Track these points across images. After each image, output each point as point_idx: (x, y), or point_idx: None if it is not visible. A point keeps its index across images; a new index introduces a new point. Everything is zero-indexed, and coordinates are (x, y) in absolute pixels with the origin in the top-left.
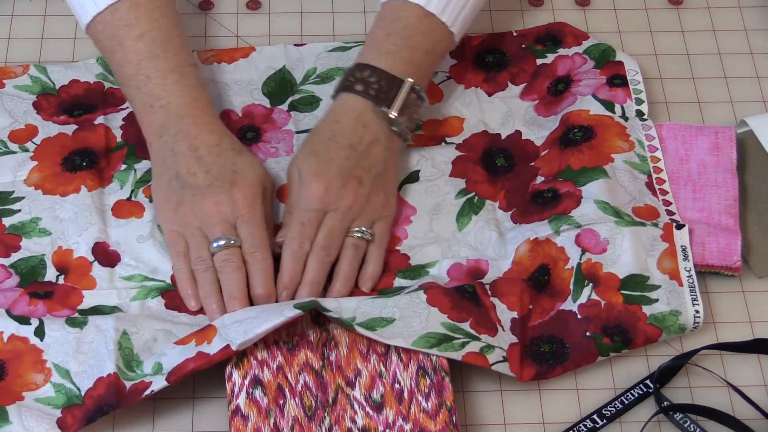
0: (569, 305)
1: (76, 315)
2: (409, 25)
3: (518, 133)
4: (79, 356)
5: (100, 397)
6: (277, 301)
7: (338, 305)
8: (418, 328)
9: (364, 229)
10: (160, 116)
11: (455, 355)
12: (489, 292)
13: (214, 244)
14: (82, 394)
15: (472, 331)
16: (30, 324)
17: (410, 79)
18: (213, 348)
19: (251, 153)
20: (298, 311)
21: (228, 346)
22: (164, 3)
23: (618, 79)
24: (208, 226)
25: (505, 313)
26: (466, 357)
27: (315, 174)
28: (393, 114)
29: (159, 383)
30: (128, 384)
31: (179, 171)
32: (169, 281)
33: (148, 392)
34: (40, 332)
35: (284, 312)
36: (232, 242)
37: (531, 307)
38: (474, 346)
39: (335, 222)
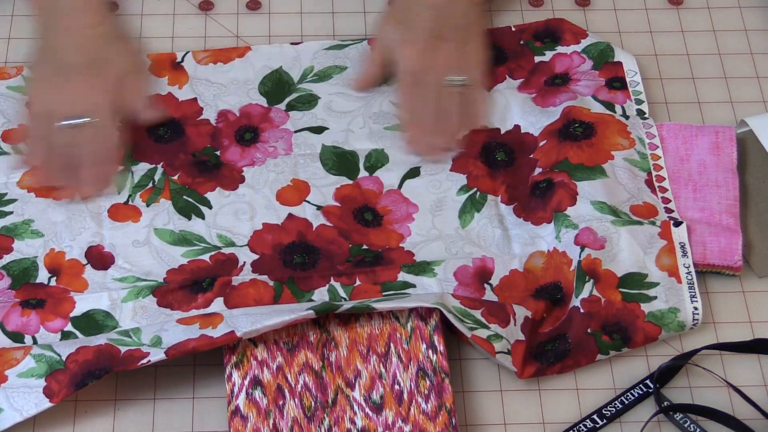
0: (573, 301)
1: (70, 329)
2: None
3: (517, 127)
4: (67, 345)
5: (88, 362)
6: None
7: (352, 306)
8: (433, 300)
9: (462, 78)
10: None
11: (466, 332)
12: (513, 308)
13: (66, 120)
14: (63, 358)
15: (483, 320)
16: (24, 343)
17: None
18: (217, 333)
19: (128, 40)
20: (310, 312)
21: (232, 331)
22: None
23: (617, 83)
24: (64, 105)
25: (520, 309)
26: (475, 337)
27: (404, 41)
28: None
29: (157, 355)
30: (123, 349)
31: (55, 46)
32: (161, 280)
33: (144, 361)
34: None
35: (296, 311)
36: (87, 120)
37: (545, 315)
38: (482, 333)
39: (435, 79)
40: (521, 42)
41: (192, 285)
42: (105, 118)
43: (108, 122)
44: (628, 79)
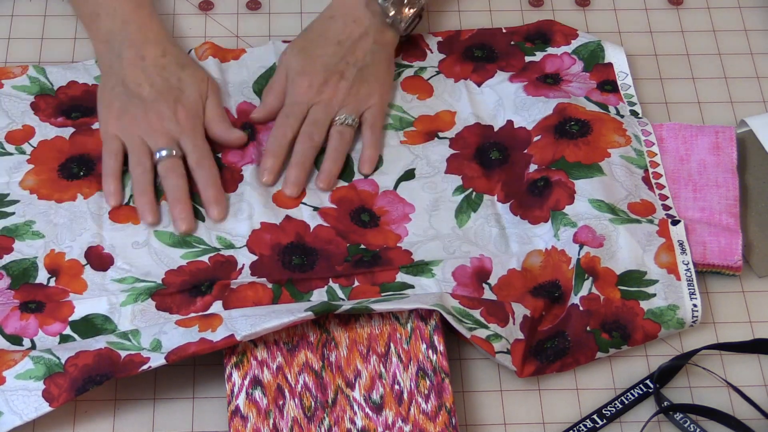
0: (572, 299)
1: (68, 332)
2: None
3: (510, 122)
4: (66, 349)
5: (89, 367)
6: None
7: (350, 307)
8: (432, 301)
9: (347, 116)
10: (106, 23)
11: (465, 333)
12: (512, 307)
13: (159, 153)
14: (63, 361)
15: (482, 320)
16: (22, 346)
17: None
18: (217, 336)
19: (195, 65)
20: (309, 313)
21: (232, 335)
22: None
23: (608, 86)
24: (151, 137)
25: (519, 308)
26: (474, 338)
27: (300, 72)
28: (388, 5)
29: (157, 360)
30: (123, 354)
31: (125, 79)
32: (159, 282)
33: (145, 367)
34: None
35: (294, 312)
36: (175, 153)
37: (544, 313)
38: (481, 333)
39: (318, 113)
40: (512, 43)
41: (191, 289)
42: (202, 142)
43: (207, 147)
44: (619, 82)
